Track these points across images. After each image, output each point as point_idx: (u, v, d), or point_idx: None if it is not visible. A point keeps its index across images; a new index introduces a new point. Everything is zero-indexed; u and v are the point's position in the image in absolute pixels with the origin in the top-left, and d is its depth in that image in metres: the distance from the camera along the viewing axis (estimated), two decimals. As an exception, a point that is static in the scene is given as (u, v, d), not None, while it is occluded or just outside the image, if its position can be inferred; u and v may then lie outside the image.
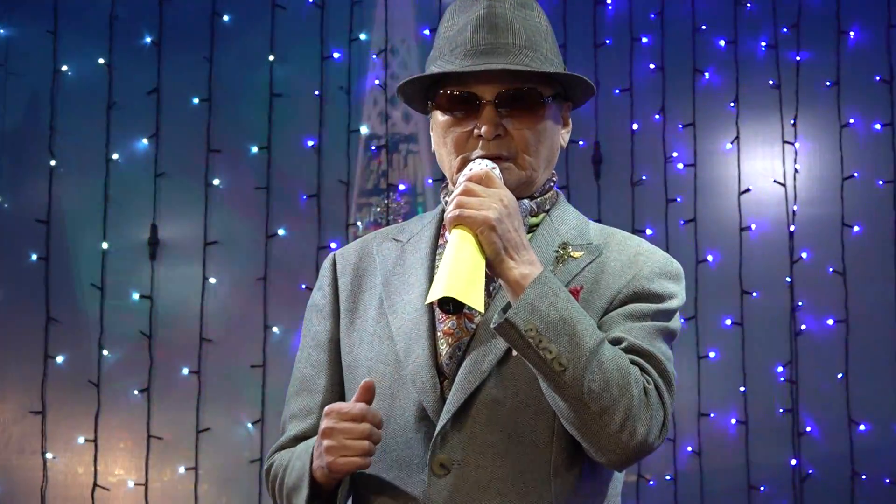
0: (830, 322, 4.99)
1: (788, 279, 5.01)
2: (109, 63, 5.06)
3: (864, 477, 4.89)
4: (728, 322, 5.01)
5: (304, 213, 5.05)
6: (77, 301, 4.98)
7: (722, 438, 4.95)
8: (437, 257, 1.92)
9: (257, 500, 4.87)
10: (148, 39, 5.09)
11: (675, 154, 5.12)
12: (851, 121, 5.07)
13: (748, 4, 5.16)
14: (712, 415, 4.96)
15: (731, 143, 5.11)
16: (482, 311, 1.72)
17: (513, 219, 1.75)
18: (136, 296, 4.98)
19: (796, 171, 5.08)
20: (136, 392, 4.93)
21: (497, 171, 1.82)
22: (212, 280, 5.01)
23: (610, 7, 5.20)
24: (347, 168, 5.08)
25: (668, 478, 4.93)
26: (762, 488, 4.92)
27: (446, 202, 1.90)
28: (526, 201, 1.90)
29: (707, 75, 5.16)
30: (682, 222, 5.06)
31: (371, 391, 1.77)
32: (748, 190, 5.08)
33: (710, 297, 4.97)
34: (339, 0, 5.15)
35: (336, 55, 5.14)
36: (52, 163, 5.00)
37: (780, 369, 4.98)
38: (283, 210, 5.06)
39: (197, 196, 5.02)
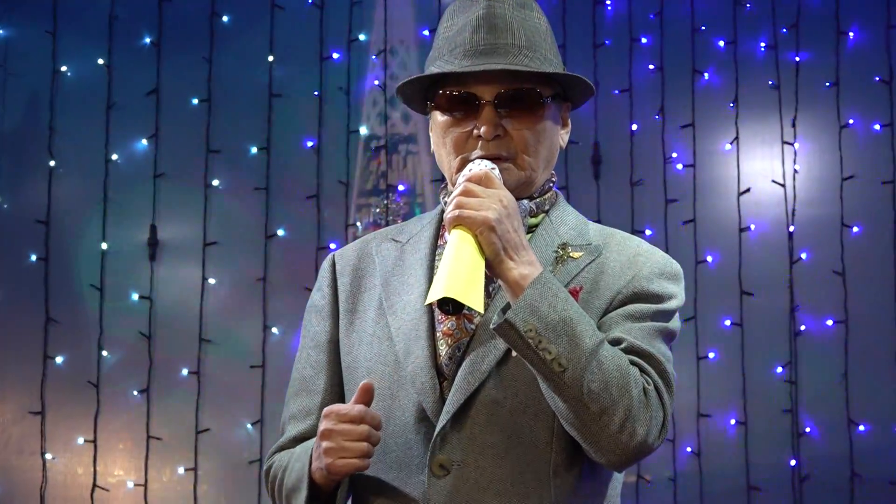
0: (830, 323, 4.99)
1: (788, 280, 5.01)
2: (109, 64, 5.06)
3: (863, 477, 4.89)
4: (727, 322, 5.01)
5: (304, 213, 5.05)
6: (76, 302, 4.98)
7: (721, 439, 4.95)
8: (437, 258, 1.92)
9: (256, 500, 4.87)
10: (147, 40, 5.09)
11: (674, 154, 5.11)
12: (851, 121, 5.07)
13: (747, 5, 5.16)
14: (712, 415, 4.96)
15: (731, 143, 5.11)
16: (482, 311, 1.72)
17: (512, 219, 1.74)
18: (135, 296, 4.98)
19: (796, 171, 5.08)
20: (135, 393, 4.93)
21: (496, 171, 1.82)
22: (211, 281, 5.01)
23: (609, 7, 5.20)
24: (347, 169, 5.08)
25: (667, 478, 4.92)
26: (761, 489, 4.91)
27: (445, 203, 1.90)
28: (525, 202, 1.90)
29: (706, 76, 5.16)
30: (681, 223, 5.06)
31: (370, 393, 1.77)
32: (748, 190, 5.08)
33: (710, 297, 4.97)
34: (338, 1, 5.15)
35: (335, 56, 5.14)
36: (52, 163, 5.01)
37: (779, 370, 4.97)
38: (283, 211, 5.06)
39: (196, 197, 5.02)
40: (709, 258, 5.05)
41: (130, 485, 4.89)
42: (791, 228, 5.04)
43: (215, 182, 5.05)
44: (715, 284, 5.00)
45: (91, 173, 5.00)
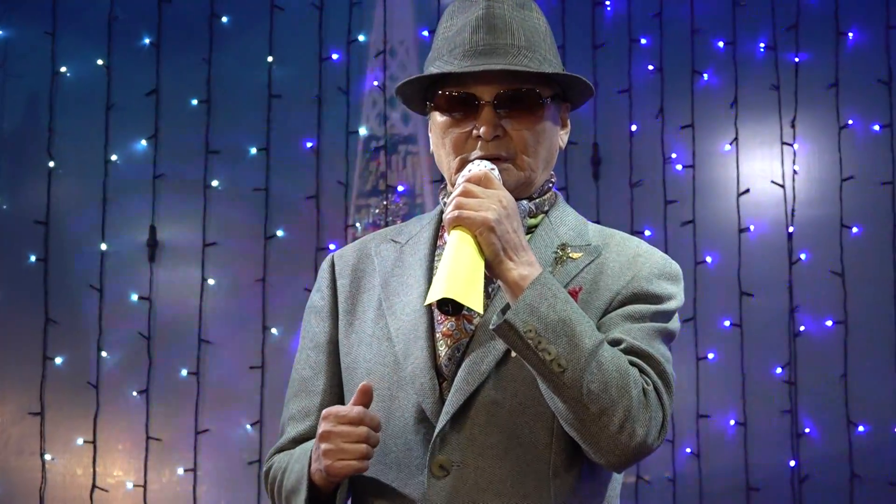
0: (829, 323, 4.99)
1: (787, 280, 5.01)
2: (108, 64, 5.06)
3: (862, 478, 4.89)
4: (727, 323, 5.01)
5: (303, 214, 5.05)
6: (76, 302, 4.98)
7: (721, 439, 4.95)
8: (436, 258, 1.92)
9: (256, 501, 4.87)
10: (147, 41, 5.09)
11: (673, 155, 5.11)
12: (850, 122, 5.07)
13: (747, 5, 5.16)
14: (711, 416, 4.96)
15: (730, 144, 5.11)
16: (481, 312, 1.72)
17: (512, 220, 1.74)
18: (134, 297, 4.98)
19: (795, 172, 5.08)
20: (134, 393, 4.93)
21: (496, 171, 1.82)
22: (210, 281, 5.01)
23: (609, 8, 5.20)
24: (346, 169, 5.08)
25: (667, 479, 4.92)
26: (761, 489, 4.91)
27: (445, 203, 1.90)
28: (525, 202, 1.90)
29: (706, 76, 5.16)
30: (680, 223, 5.06)
31: (369, 394, 1.76)
32: (747, 191, 5.08)
33: (709, 298, 4.97)
34: (337, 1, 5.15)
35: (335, 56, 5.14)
36: (51, 164, 5.01)
37: (778, 370, 4.97)
38: (282, 211, 5.06)
39: (196, 197, 5.02)
40: (708, 259, 5.05)
41: (130, 485, 4.89)
42: (790, 229, 5.04)
43: (215, 183, 5.05)
44: (714, 285, 5.00)
45: (90, 174, 5.00)
